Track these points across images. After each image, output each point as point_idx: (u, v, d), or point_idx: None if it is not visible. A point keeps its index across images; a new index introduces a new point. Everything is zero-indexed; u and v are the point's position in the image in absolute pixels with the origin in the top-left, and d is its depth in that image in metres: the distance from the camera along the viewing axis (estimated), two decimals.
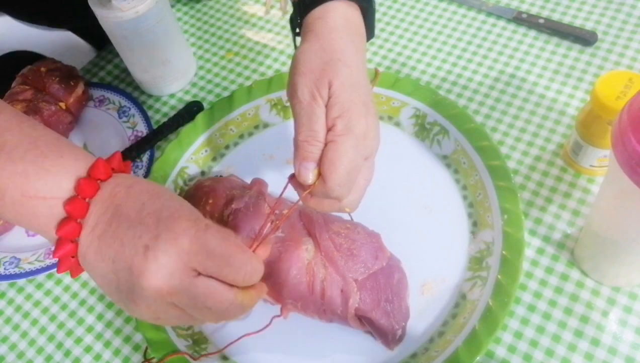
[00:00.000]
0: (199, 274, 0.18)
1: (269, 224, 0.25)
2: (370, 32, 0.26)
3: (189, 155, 0.35)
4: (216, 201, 0.29)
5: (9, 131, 0.18)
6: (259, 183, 0.30)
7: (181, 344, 0.29)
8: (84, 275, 0.34)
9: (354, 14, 0.24)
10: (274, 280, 0.26)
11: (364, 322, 0.27)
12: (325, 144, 0.21)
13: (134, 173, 0.37)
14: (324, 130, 0.22)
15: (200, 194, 0.30)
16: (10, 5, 0.39)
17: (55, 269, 0.33)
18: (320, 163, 0.21)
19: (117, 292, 0.19)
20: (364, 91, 0.23)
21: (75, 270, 0.19)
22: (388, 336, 0.26)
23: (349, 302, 0.26)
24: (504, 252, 0.28)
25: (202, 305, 0.18)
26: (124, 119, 0.39)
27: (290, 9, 0.45)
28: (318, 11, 0.24)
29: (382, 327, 0.26)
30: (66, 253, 0.18)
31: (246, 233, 0.27)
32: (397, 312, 0.27)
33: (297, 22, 0.25)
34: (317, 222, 0.27)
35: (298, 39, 0.25)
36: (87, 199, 0.18)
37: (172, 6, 0.47)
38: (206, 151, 0.36)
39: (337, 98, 0.21)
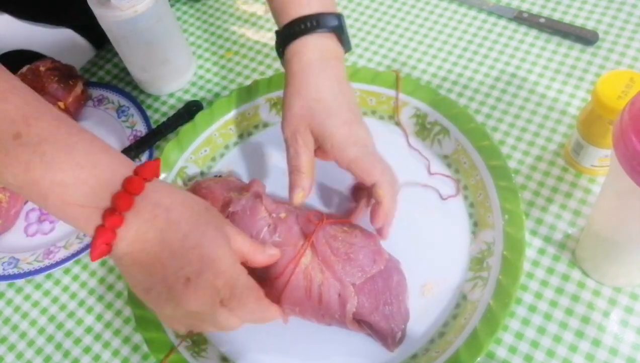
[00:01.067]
0: (222, 303, 0.22)
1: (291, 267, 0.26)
2: (347, 47, 0.29)
3: (188, 155, 0.35)
4: (214, 204, 0.29)
5: (47, 141, 0.20)
6: (256, 184, 0.30)
7: (180, 345, 0.28)
8: (83, 276, 0.34)
9: (328, 42, 0.28)
10: (271, 285, 0.26)
11: (363, 325, 0.26)
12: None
13: None
14: (306, 164, 0.27)
15: (196, 191, 0.30)
16: (10, 3, 0.39)
17: (55, 269, 0.33)
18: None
19: (144, 293, 0.22)
20: (344, 112, 0.27)
21: (101, 255, 0.21)
22: (387, 339, 0.26)
23: (347, 307, 0.26)
24: (504, 252, 0.28)
25: (216, 327, 0.23)
26: (123, 118, 0.39)
27: None
28: (295, 46, 0.27)
29: (382, 330, 0.26)
30: (104, 240, 0.20)
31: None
32: (397, 314, 0.27)
33: (281, 51, 0.29)
34: (314, 226, 0.27)
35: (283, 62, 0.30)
36: (122, 213, 0.20)
37: (172, 5, 0.46)
38: (205, 150, 0.36)
39: (323, 129, 0.26)
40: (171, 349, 0.27)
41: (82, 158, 0.20)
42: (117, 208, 0.20)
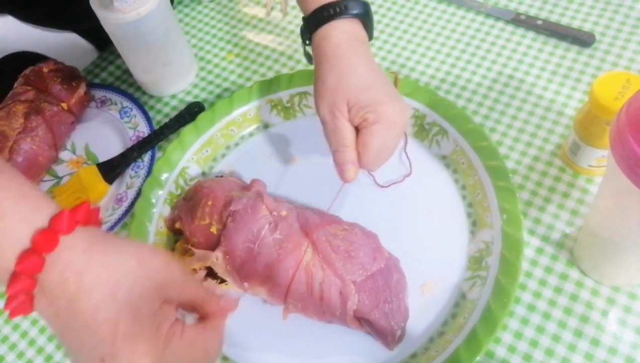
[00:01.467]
0: None
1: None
2: (370, 34, 0.29)
3: (190, 155, 0.35)
4: (215, 203, 0.29)
5: None
6: (257, 184, 0.30)
7: None
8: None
9: (355, 27, 0.28)
10: (273, 282, 0.27)
11: (363, 323, 0.27)
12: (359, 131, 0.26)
13: (135, 172, 0.37)
14: (349, 137, 0.27)
15: (199, 196, 0.30)
16: (15, 7, 0.39)
17: None
18: (356, 145, 0.27)
19: (73, 357, 0.19)
20: (380, 85, 0.27)
21: (24, 309, 0.18)
22: (387, 337, 0.26)
23: (347, 304, 0.26)
24: (503, 252, 0.28)
25: None
26: (126, 119, 0.40)
27: (290, 10, 0.45)
28: (323, 30, 0.28)
29: (381, 328, 0.26)
30: (22, 288, 0.18)
31: (244, 235, 0.27)
32: (396, 313, 0.27)
33: (307, 36, 0.29)
34: (315, 224, 0.27)
35: (308, 48, 0.30)
36: (34, 275, 0.17)
37: (174, 8, 0.47)
38: (207, 151, 0.36)
39: (360, 103, 0.26)
40: None
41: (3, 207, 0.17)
42: (22, 271, 0.17)
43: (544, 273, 0.29)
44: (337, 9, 0.27)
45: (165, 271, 0.20)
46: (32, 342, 0.32)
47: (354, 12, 0.27)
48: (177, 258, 0.28)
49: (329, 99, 0.26)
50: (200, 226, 0.29)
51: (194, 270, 0.28)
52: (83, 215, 0.18)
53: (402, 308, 0.27)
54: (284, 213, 0.28)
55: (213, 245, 0.28)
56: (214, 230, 0.28)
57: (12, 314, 0.18)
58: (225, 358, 0.29)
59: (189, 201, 0.31)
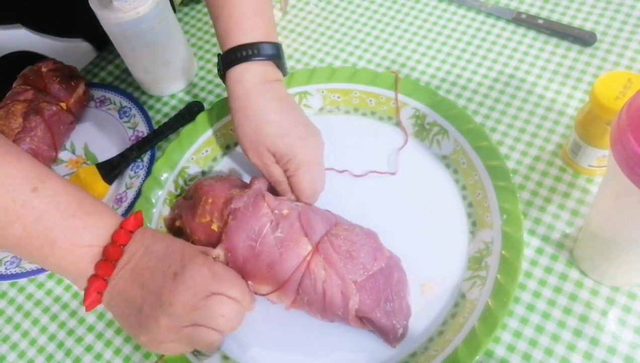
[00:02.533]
0: (213, 294, 0.24)
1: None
2: (284, 72, 0.32)
3: (190, 155, 0.35)
4: (215, 201, 0.29)
5: (61, 193, 0.23)
6: (258, 181, 0.30)
7: None
8: None
9: (267, 68, 0.30)
10: (277, 280, 0.27)
11: (365, 322, 0.27)
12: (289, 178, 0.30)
13: (135, 172, 0.37)
14: (282, 177, 0.30)
15: (200, 194, 0.30)
16: (26, 18, 0.39)
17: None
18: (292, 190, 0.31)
19: (137, 314, 0.24)
20: (294, 127, 0.29)
21: (94, 304, 0.25)
22: (389, 335, 0.26)
23: (349, 304, 0.26)
24: (503, 252, 0.28)
25: (217, 314, 0.24)
26: (125, 119, 0.40)
27: (289, 10, 0.45)
28: (236, 72, 0.29)
29: (383, 327, 0.26)
30: (96, 288, 0.24)
31: (246, 233, 0.27)
32: (398, 311, 0.27)
33: (221, 73, 0.31)
34: (316, 223, 0.27)
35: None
36: (122, 246, 0.24)
37: (176, 12, 0.47)
38: (207, 151, 0.36)
39: (279, 151, 0.29)
40: None
41: (90, 207, 0.24)
42: (99, 275, 0.24)
43: (544, 273, 0.29)
44: (250, 52, 0.29)
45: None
46: (33, 342, 0.32)
47: (267, 54, 0.29)
48: None
49: (254, 150, 0.30)
50: (201, 223, 0.29)
51: None
52: (133, 224, 0.25)
53: (404, 307, 0.27)
54: (285, 211, 0.28)
55: (214, 243, 0.28)
56: (214, 227, 0.28)
57: (88, 308, 0.24)
58: (225, 357, 0.29)
59: (189, 199, 0.31)
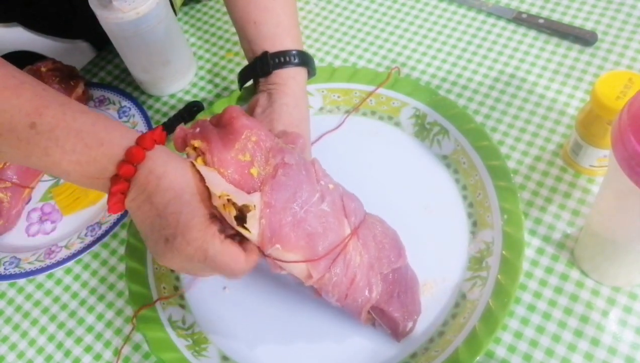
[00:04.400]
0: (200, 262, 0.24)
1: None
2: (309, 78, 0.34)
3: None
4: (260, 142, 0.25)
5: (57, 128, 0.22)
6: (300, 139, 0.28)
7: (181, 344, 0.29)
8: (84, 276, 0.34)
9: (306, 76, 0.33)
10: (313, 253, 0.24)
11: (375, 313, 0.26)
12: None
13: None
14: None
15: (237, 126, 0.25)
16: (25, 17, 0.39)
17: (56, 269, 0.33)
18: None
19: (145, 238, 0.25)
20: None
21: (119, 207, 0.24)
22: (398, 328, 0.26)
23: (372, 295, 0.26)
24: (503, 252, 0.28)
25: (207, 273, 0.25)
26: (124, 119, 0.39)
27: None
28: (291, 71, 0.31)
29: (394, 319, 0.26)
30: (119, 189, 0.24)
31: (293, 195, 0.24)
32: (411, 306, 0.27)
33: (265, 69, 0.32)
34: (356, 208, 0.27)
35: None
36: (127, 179, 0.23)
37: (177, 13, 0.47)
38: None
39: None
40: (150, 302, 0.29)
41: (89, 139, 0.23)
42: (121, 175, 0.23)
43: (545, 274, 0.29)
44: (303, 58, 0.32)
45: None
46: (32, 342, 0.32)
47: (310, 63, 0.33)
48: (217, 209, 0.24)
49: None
50: (237, 159, 0.24)
51: (223, 205, 0.23)
52: (159, 136, 0.24)
53: (416, 302, 0.27)
54: (331, 186, 0.27)
55: (247, 188, 0.24)
56: (254, 172, 0.24)
57: (111, 209, 0.24)
58: (225, 357, 0.29)
59: (220, 126, 0.25)
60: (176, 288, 0.31)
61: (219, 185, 0.24)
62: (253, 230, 0.24)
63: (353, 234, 0.26)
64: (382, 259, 0.26)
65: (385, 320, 0.26)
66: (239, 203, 0.23)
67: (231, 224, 0.24)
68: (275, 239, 0.24)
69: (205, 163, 0.24)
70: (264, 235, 0.24)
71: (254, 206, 0.24)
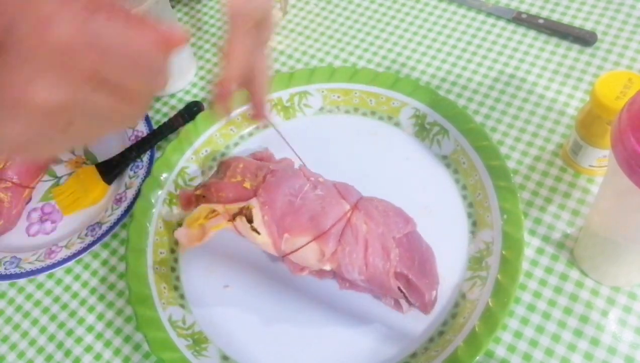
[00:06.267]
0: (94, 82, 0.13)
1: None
2: None
3: (189, 155, 0.35)
4: (247, 166, 0.28)
5: None
6: (287, 161, 0.31)
7: (181, 344, 0.29)
8: (84, 276, 0.34)
9: None
10: (319, 230, 0.26)
11: (401, 283, 0.26)
12: None
13: (134, 172, 0.37)
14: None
15: (228, 162, 0.30)
16: None
17: (56, 268, 0.33)
18: None
19: None
20: None
21: None
22: (425, 296, 0.26)
23: (391, 255, 0.26)
24: (503, 252, 0.28)
25: (95, 115, 0.14)
26: None
27: (289, 9, 0.45)
28: None
29: (419, 288, 0.26)
30: None
31: (286, 189, 0.27)
32: (430, 274, 0.27)
33: None
34: (352, 190, 0.28)
35: None
36: None
37: (173, 7, 0.47)
38: (206, 151, 0.36)
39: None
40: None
41: None
42: None
43: (544, 273, 0.29)
44: None
45: None
46: (32, 342, 0.32)
47: None
48: (200, 221, 0.27)
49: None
50: (230, 183, 0.28)
51: (233, 217, 0.26)
52: None
53: (435, 272, 0.27)
54: (321, 179, 0.28)
55: (244, 199, 0.27)
56: (247, 185, 0.28)
57: None
58: (225, 357, 0.29)
59: (217, 173, 0.30)
60: (176, 288, 0.31)
61: (221, 206, 0.27)
62: (261, 230, 0.26)
63: (353, 208, 0.27)
64: (389, 224, 0.27)
65: (412, 290, 0.26)
66: (239, 207, 0.26)
67: (246, 234, 0.26)
68: (282, 229, 0.26)
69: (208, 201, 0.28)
70: (271, 230, 0.26)
71: (254, 206, 0.26)
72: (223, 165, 0.30)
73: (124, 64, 0.13)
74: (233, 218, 0.27)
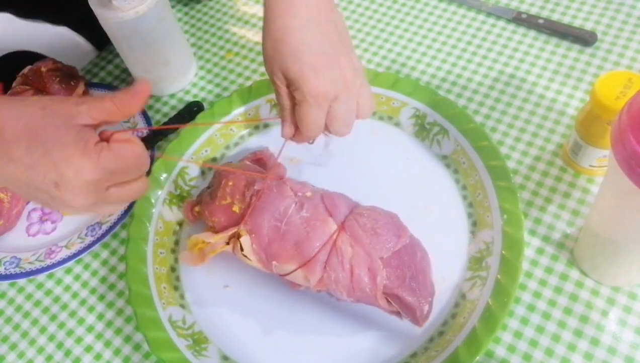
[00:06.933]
0: (109, 186, 0.22)
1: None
2: None
3: (189, 155, 0.35)
4: (236, 184, 0.29)
5: None
6: (277, 167, 0.30)
7: (181, 344, 0.29)
8: (84, 276, 0.34)
9: None
10: (304, 258, 0.26)
11: (392, 300, 0.26)
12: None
13: None
14: (287, 102, 0.28)
15: (219, 178, 0.30)
16: (9, 2, 0.39)
17: (56, 268, 0.33)
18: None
19: (33, 199, 0.22)
20: (311, 53, 0.26)
21: None
22: (416, 312, 0.26)
23: (377, 279, 0.26)
24: (503, 252, 0.28)
25: (118, 202, 0.23)
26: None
27: None
28: None
29: (409, 304, 0.26)
30: None
31: (271, 214, 0.27)
32: (423, 288, 0.27)
33: None
34: (340, 204, 0.28)
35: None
36: None
37: (173, 7, 0.47)
38: (206, 151, 0.36)
39: (289, 77, 0.26)
40: None
41: None
42: None
43: (544, 273, 0.29)
44: None
45: (70, 104, 0.22)
46: (32, 342, 0.32)
47: None
48: (199, 246, 0.29)
49: (269, 67, 0.27)
50: (221, 206, 0.29)
51: (228, 240, 0.28)
52: None
53: (428, 284, 0.27)
54: (308, 194, 0.28)
55: (235, 224, 0.28)
56: (236, 209, 0.28)
57: None
58: (225, 357, 0.29)
59: (209, 187, 0.31)
60: (176, 288, 0.31)
61: (212, 236, 0.29)
62: (251, 257, 0.28)
63: (339, 229, 0.26)
64: (377, 244, 0.26)
65: (402, 305, 0.26)
66: (229, 236, 0.27)
67: (240, 258, 0.28)
68: (270, 256, 0.27)
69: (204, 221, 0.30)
70: (260, 257, 0.27)
71: (243, 233, 0.27)
72: (216, 179, 0.31)
73: (126, 175, 0.23)
74: (228, 241, 0.28)
